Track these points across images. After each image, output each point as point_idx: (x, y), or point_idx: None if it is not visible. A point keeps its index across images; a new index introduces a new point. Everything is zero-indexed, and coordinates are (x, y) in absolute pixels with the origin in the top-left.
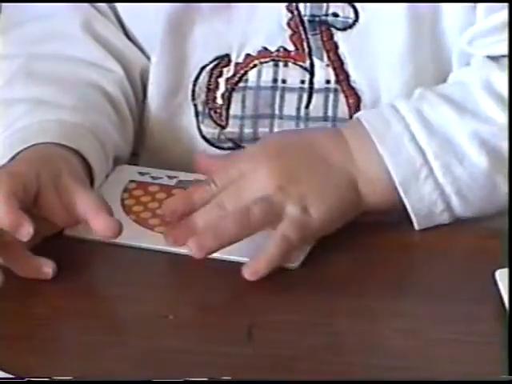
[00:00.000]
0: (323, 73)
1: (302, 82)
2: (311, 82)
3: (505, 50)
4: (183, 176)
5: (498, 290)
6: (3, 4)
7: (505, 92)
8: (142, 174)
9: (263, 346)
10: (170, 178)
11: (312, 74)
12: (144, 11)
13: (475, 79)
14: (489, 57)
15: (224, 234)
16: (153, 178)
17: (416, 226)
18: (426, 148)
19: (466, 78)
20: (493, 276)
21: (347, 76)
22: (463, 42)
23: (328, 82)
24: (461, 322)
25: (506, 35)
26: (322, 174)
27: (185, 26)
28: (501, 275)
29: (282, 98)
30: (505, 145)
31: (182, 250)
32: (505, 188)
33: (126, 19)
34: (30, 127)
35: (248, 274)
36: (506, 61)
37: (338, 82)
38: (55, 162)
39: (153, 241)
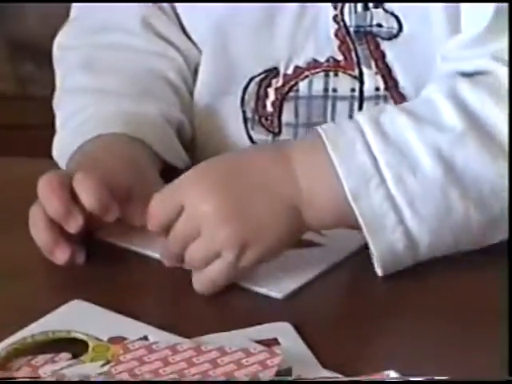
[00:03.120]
0: (372, 80)
1: (353, 90)
2: (361, 90)
3: (477, 67)
4: None
5: None
6: None
7: (472, 102)
8: None
9: None
10: None
11: (362, 82)
12: (195, 15)
13: (440, 90)
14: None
15: None
16: None
17: (372, 248)
18: (378, 156)
19: (431, 93)
20: None
21: (396, 83)
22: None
23: (377, 89)
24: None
25: (479, 51)
26: (264, 207)
27: (230, 39)
28: None
29: (334, 106)
30: (460, 155)
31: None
32: (459, 206)
33: (183, 19)
34: (93, 118)
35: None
36: (477, 78)
37: (387, 88)
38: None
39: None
